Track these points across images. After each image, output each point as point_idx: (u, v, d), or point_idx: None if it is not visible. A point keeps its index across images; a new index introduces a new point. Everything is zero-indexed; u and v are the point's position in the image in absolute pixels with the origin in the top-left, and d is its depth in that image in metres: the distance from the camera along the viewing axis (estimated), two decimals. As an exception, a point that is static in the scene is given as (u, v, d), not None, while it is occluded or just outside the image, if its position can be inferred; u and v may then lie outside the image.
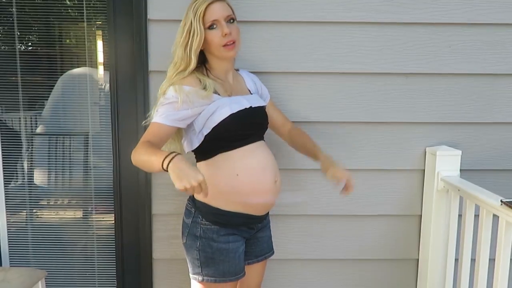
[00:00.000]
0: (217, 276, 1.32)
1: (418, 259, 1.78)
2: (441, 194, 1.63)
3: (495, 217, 1.27)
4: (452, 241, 1.55)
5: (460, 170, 1.62)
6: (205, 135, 1.29)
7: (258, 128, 1.39)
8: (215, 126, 1.27)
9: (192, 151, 1.37)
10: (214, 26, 1.29)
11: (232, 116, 1.27)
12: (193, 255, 1.35)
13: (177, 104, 1.25)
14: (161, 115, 1.27)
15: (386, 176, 1.74)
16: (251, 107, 1.34)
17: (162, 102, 1.28)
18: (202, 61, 1.38)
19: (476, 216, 1.38)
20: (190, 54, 1.28)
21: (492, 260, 1.27)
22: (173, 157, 1.08)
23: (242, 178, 1.29)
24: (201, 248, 1.32)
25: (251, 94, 1.46)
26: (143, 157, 1.17)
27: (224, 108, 1.27)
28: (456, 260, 1.52)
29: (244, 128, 1.32)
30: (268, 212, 1.48)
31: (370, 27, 1.64)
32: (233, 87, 1.40)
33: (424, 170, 1.72)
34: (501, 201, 1.21)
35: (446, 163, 1.62)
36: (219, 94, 1.32)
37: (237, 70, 1.51)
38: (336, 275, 1.81)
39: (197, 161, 1.39)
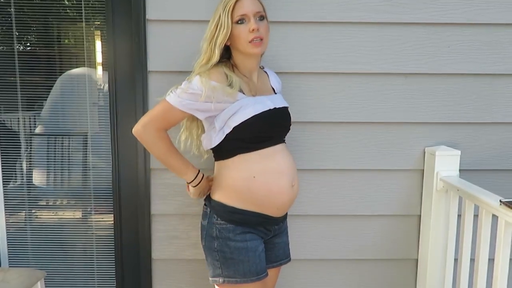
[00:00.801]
0: (238, 276, 1.30)
1: (417, 259, 1.78)
2: (440, 194, 1.63)
3: (494, 217, 1.27)
4: (452, 241, 1.55)
5: (460, 170, 1.62)
6: (226, 134, 1.28)
7: (280, 130, 1.38)
8: (236, 126, 1.26)
9: (211, 149, 1.36)
10: (243, 21, 1.27)
11: (255, 117, 1.26)
12: (212, 257, 1.33)
13: (201, 97, 1.23)
14: (180, 100, 1.26)
15: (386, 176, 1.74)
16: (275, 108, 1.32)
17: (185, 89, 1.26)
18: (229, 57, 1.36)
19: (476, 216, 1.38)
20: (214, 47, 1.26)
21: (491, 260, 1.28)
22: (200, 180, 1.39)
23: (258, 181, 1.28)
24: (219, 248, 1.31)
25: (275, 93, 1.44)
26: (169, 160, 1.34)
27: (248, 108, 1.26)
28: (456, 260, 1.52)
29: (266, 129, 1.30)
30: (286, 217, 1.47)
31: (370, 27, 1.64)
32: (258, 86, 1.38)
33: (423, 170, 1.72)
34: (500, 201, 1.21)
35: (445, 163, 1.62)
36: (243, 93, 1.29)
37: (263, 67, 1.49)
38: (335, 275, 1.81)
39: (215, 160, 1.38)
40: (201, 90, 1.23)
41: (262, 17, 1.30)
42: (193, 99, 1.25)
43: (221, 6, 1.27)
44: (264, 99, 1.32)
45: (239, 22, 1.27)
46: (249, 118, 1.25)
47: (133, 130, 1.32)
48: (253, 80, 1.37)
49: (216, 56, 1.27)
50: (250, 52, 1.29)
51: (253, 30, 1.26)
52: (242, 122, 1.25)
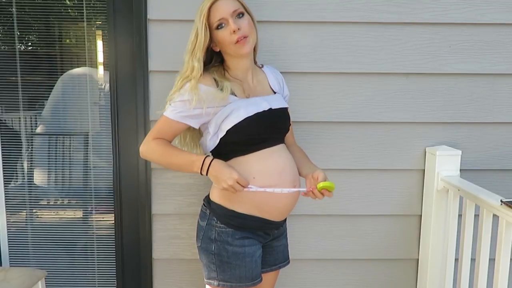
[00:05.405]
0: (233, 281, 1.29)
1: (418, 259, 1.78)
2: (441, 194, 1.63)
3: (495, 217, 1.27)
4: (452, 241, 1.55)
5: (460, 170, 1.62)
6: (220, 138, 1.26)
7: (276, 132, 1.33)
8: (229, 129, 1.24)
9: (211, 152, 1.34)
10: (223, 25, 1.23)
11: (248, 119, 1.23)
12: (208, 259, 1.32)
13: (191, 103, 1.22)
14: (173, 110, 1.26)
15: (386, 176, 1.74)
16: (270, 109, 1.29)
17: (175, 98, 1.26)
18: (221, 61, 1.34)
19: (476, 216, 1.38)
20: (193, 60, 1.23)
21: (492, 260, 1.28)
22: (209, 164, 1.21)
23: (259, 181, 1.24)
24: (217, 251, 1.29)
25: (274, 93, 1.40)
26: (171, 159, 1.28)
27: (240, 110, 1.23)
28: (456, 260, 1.52)
29: (261, 131, 1.27)
30: (286, 220, 1.45)
31: (370, 27, 1.64)
32: (253, 87, 1.35)
33: (424, 170, 1.72)
34: (501, 201, 1.21)
35: (446, 163, 1.62)
36: (236, 96, 1.28)
37: (262, 66, 1.45)
38: (336, 275, 1.81)
39: None
40: (191, 97, 1.22)
41: (241, 14, 1.25)
42: (184, 107, 1.24)
43: (197, 14, 1.23)
44: (259, 100, 1.29)
45: (219, 27, 1.23)
46: (241, 121, 1.23)
47: (140, 152, 1.33)
48: (247, 81, 1.35)
49: (196, 69, 1.23)
50: (239, 53, 1.27)
51: (234, 31, 1.22)
52: (235, 125, 1.23)
